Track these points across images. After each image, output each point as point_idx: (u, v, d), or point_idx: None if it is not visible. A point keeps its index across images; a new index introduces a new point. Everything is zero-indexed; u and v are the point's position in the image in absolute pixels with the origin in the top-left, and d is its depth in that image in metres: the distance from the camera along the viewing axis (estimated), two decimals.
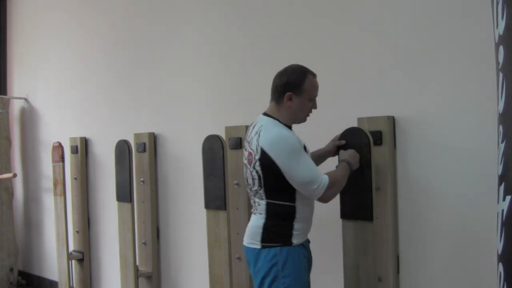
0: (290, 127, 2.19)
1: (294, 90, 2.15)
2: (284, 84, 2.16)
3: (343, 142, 2.41)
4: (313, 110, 2.24)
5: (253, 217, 2.24)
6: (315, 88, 2.21)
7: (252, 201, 2.24)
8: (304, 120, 2.25)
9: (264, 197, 2.14)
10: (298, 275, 2.13)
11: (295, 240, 2.14)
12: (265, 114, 2.22)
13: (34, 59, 5.17)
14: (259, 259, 2.15)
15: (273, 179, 2.10)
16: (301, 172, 2.06)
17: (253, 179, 2.15)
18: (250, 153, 2.15)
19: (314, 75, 2.20)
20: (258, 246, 2.15)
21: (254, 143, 2.13)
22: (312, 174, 2.07)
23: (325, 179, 2.09)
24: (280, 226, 2.14)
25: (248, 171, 2.17)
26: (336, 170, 2.26)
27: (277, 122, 2.16)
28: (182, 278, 3.64)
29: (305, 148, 2.16)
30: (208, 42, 3.42)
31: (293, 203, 2.13)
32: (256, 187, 2.15)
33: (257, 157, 2.10)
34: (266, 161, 2.08)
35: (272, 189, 2.12)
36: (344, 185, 2.21)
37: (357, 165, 2.32)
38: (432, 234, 2.39)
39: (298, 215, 2.14)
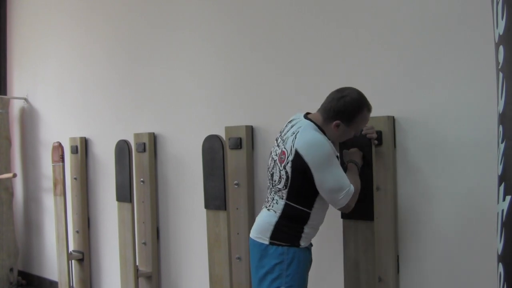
0: (325, 134, 2.20)
1: (344, 120, 2.15)
2: (338, 112, 2.14)
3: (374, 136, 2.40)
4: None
5: (265, 212, 2.24)
6: (365, 122, 2.23)
7: (270, 197, 2.24)
8: (341, 141, 2.31)
9: (284, 197, 2.16)
10: (300, 276, 2.16)
11: (303, 243, 2.18)
12: (308, 118, 2.20)
13: (34, 59, 5.17)
14: (265, 255, 2.17)
15: (301, 182, 2.11)
16: (331, 179, 2.09)
17: (280, 177, 2.15)
18: (283, 152, 2.14)
19: (369, 110, 2.20)
20: (266, 242, 2.17)
21: (289, 144, 2.13)
22: (341, 183, 2.10)
23: (352, 189, 2.13)
24: (291, 227, 2.17)
25: (277, 169, 2.17)
26: (353, 176, 2.26)
27: (316, 126, 2.16)
28: (182, 278, 3.64)
29: (337, 157, 2.17)
30: (208, 42, 3.42)
31: (310, 210, 2.17)
32: (280, 186, 2.16)
33: (290, 158, 2.10)
34: (298, 163, 2.08)
35: (296, 193, 2.14)
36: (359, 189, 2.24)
37: (361, 163, 2.36)
38: (432, 234, 2.39)
39: (310, 221, 2.18)
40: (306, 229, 2.18)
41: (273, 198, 2.21)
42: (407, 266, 2.47)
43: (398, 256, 2.48)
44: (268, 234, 2.17)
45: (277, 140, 2.26)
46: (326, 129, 2.18)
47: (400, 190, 2.48)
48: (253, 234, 2.27)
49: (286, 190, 2.14)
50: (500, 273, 1.41)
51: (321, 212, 2.22)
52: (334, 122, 2.15)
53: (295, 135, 2.12)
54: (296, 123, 2.21)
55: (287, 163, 2.11)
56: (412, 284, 2.46)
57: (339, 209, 2.17)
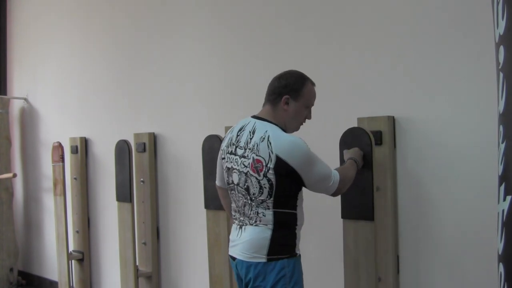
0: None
1: (292, 93, 2.08)
2: (283, 86, 2.09)
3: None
4: (314, 109, 2.19)
5: (252, 228, 2.07)
6: (313, 95, 2.15)
7: (251, 213, 2.08)
8: (297, 128, 2.19)
9: (271, 207, 2.03)
10: (302, 285, 2.12)
11: (297, 251, 2.12)
12: (259, 118, 2.12)
13: (34, 59, 5.17)
14: (265, 273, 2.04)
15: (286, 186, 2.03)
16: (319, 172, 2.05)
17: (261, 187, 2.02)
18: (258, 160, 2.01)
19: (313, 84, 2.15)
20: (264, 260, 2.03)
21: (263, 150, 2.00)
22: (327, 171, 2.07)
23: (337, 174, 2.10)
24: (286, 237, 2.08)
25: (253, 180, 2.03)
26: (343, 165, 2.26)
27: (279, 128, 2.08)
28: (182, 278, 3.64)
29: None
30: (208, 42, 3.42)
31: (295, 210, 2.10)
32: (264, 197, 2.03)
33: (271, 165, 1.99)
34: (283, 168, 1.99)
35: (282, 198, 2.05)
36: (353, 180, 2.21)
37: (362, 162, 2.34)
38: (432, 234, 2.39)
39: (299, 222, 2.12)
40: (298, 233, 2.11)
41: (257, 212, 2.05)
42: (407, 266, 2.47)
43: (398, 256, 2.48)
44: (265, 250, 2.03)
45: (235, 153, 2.12)
46: (278, 117, 2.10)
47: (400, 190, 2.48)
48: (242, 255, 2.08)
49: (272, 198, 2.02)
50: (501, 273, 1.41)
51: (302, 208, 2.16)
52: (283, 99, 2.08)
53: (267, 140, 2.01)
54: (253, 127, 2.09)
55: (268, 170, 1.99)
56: (412, 284, 2.46)
57: (331, 195, 2.13)
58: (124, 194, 3.69)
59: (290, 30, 2.95)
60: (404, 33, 2.47)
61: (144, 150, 3.74)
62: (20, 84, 5.42)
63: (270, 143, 2.00)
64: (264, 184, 2.02)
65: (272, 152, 1.99)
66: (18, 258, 5.23)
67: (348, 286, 2.52)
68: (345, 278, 2.53)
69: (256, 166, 2.02)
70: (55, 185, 4.39)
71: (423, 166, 2.41)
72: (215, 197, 3.02)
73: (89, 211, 4.41)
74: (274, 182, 2.01)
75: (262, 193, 2.03)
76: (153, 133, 3.77)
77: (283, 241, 2.06)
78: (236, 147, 2.13)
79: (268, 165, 2.00)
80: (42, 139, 5.06)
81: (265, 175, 2.01)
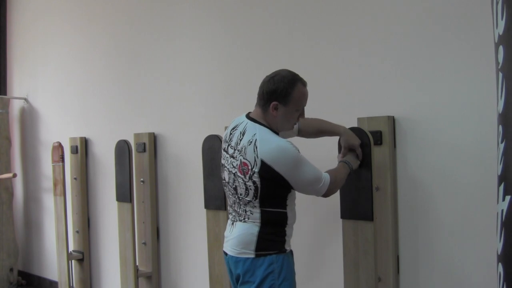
0: (277, 134, 2.12)
1: (280, 99, 2.04)
2: (271, 91, 2.05)
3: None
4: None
5: (241, 225, 2.11)
6: (304, 98, 2.10)
7: (240, 210, 2.12)
8: (290, 128, 2.19)
9: (258, 206, 2.07)
10: (292, 281, 2.12)
11: (287, 247, 2.13)
12: (251, 118, 2.12)
13: (34, 59, 5.17)
14: (253, 268, 2.06)
15: (272, 189, 2.05)
16: (307, 176, 2.06)
17: (246, 189, 2.06)
18: (244, 163, 2.04)
19: (304, 84, 2.09)
20: (252, 255, 2.06)
21: (250, 154, 2.02)
22: (316, 175, 2.08)
23: (327, 176, 2.11)
24: (274, 234, 2.09)
25: (241, 181, 2.07)
26: (335, 167, 2.26)
27: (269, 130, 2.08)
28: (182, 278, 3.64)
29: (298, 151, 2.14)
30: (207, 42, 3.42)
31: (285, 209, 2.11)
32: (250, 198, 2.06)
33: (256, 169, 2.01)
34: (267, 173, 2.00)
35: (268, 198, 2.06)
36: (344, 181, 2.21)
37: (356, 164, 2.33)
38: (432, 234, 2.39)
39: (289, 221, 2.13)
40: (288, 231, 2.12)
41: (245, 210, 2.09)
42: (407, 266, 2.47)
43: (398, 256, 2.49)
44: (253, 246, 2.06)
45: (227, 151, 2.15)
46: (268, 120, 2.08)
47: (400, 190, 2.48)
48: (232, 251, 2.12)
49: (258, 200, 2.05)
50: (500, 273, 1.41)
51: (294, 207, 2.17)
52: (271, 105, 2.04)
53: (254, 144, 2.02)
54: (244, 128, 2.10)
55: (253, 173, 2.02)
56: (412, 284, 2.46)
57: (322, 196, 2.13)
58: (124, 194, 3.69)
59: (290, 30, 2.95)
60: (404, 33, 2.47)
61: (144, 150, 3.74)
62: (20, 84, 5.42)
63: (256, 147, 2.02)
64: (249, 186, 2.05)
65: (257, 157, 2.01)
66: (18, 258, 5.23)
67: (348, 286, 2.52)
68: (345, 278, 2.53)
69: (243, 168, 2.05)
70: (55, 185, 4.39)
71: (423, 166, 2.41)
72: (215, 197, 3.03)
73: (89, 211, 4.41)
74: (259, 185, 2.03)
75: (248, 194, 2.07)
76: (153, 133, 3.77)
77: (271, 237, 2.09)
78: (228, 145, 2.16)
79: (253, 169, 2.02)
80: (42, 139, 5.06)
81: (250, 178, 2.04)
